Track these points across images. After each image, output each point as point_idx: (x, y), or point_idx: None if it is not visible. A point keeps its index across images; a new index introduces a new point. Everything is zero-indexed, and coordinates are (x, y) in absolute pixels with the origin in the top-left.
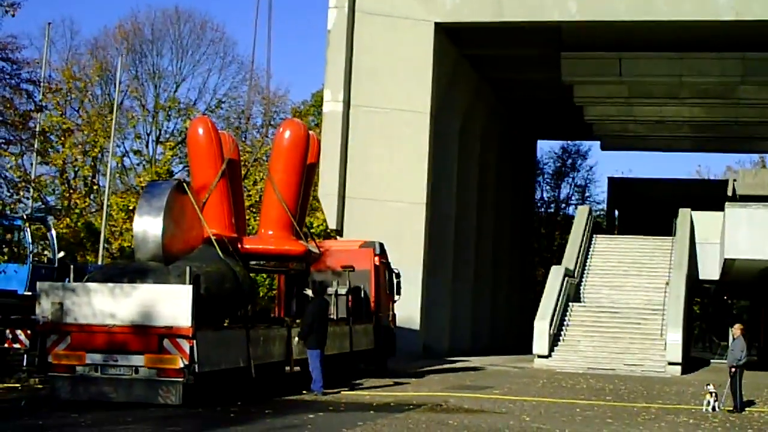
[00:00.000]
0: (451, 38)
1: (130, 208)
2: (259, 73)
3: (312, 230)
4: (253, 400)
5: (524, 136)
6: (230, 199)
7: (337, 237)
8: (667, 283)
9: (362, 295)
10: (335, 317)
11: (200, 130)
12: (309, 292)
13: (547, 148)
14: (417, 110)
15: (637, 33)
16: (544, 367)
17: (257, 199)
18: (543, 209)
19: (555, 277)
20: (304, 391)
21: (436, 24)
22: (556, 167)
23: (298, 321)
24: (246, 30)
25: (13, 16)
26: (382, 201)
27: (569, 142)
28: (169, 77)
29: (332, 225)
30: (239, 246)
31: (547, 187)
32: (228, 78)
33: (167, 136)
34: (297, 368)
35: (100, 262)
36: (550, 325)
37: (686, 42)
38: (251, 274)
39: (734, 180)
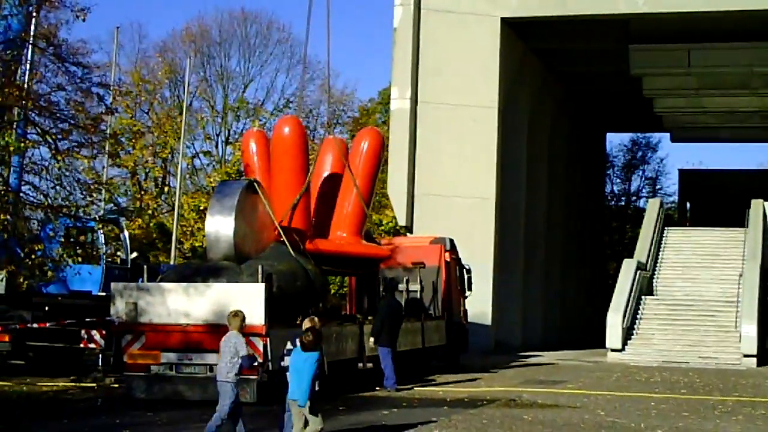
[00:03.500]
0: (518, 33)
1: (201, 208)
2: (325, 72)
3: (381, 227)
4: (327, 397)
5: (593, 129)
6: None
7: (407, 234)
8: (741, 275)
9: (433, 292)
10: (405, 313)
11: (287, 129)
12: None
13: (616, 141)
14: (485, 105)
15: (706, 23)
16: (617, 361)
17: None
18: (613, 202)
19: (627, 270)
20: (378, 388)
21: (502, 19)
22: (626, 160)
23: (370, 318)
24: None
25: (84, 20)
26: (452, 197)
27: (639, 134)
28: (237, 78)
29: (402, 222)
30: (319, 248)
31: (618, 180)
32: (295, 78)
33: (236, 136)
34: (370, 365)
35: (172, 262)
36: (623, 319)
37: (756, 31)
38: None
39: None
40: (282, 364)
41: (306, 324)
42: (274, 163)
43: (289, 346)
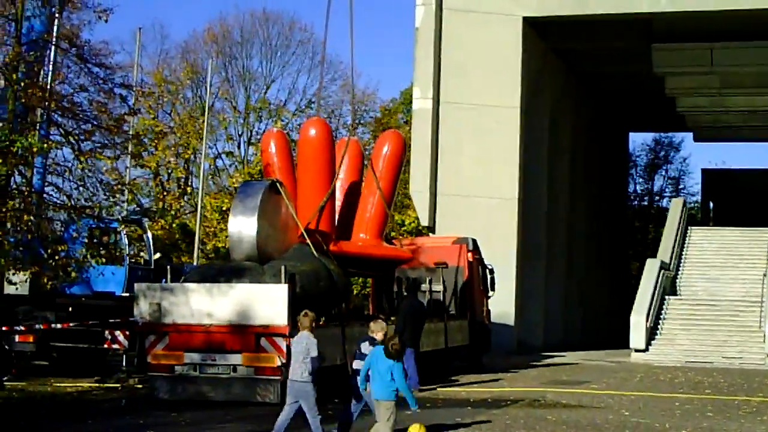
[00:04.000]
0: (539, 32)
1: (224, 208)
2: (346, 72)
3: (404, 228)
4: (350, 398)
5: (616, 128)
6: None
7: (429, 234)
8: (765, 275)
9: (456, 292)
10: (428, 314)
11: (313, 131)
12: (396, 288)
13: (639, 141)
14: (507, 105)
15: (729, 22)
16: (641, 361)
17: None
18: (636, 202)
19: (650, 270)
20: None
21: (524, 18)
22: (648, 159)
23: (393, 318)
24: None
25: (106, 21)
26: (474, 197)
27: (662, 134)
28: (259, 79)
29: (424, 222)
30: (343, 249)
31: (640, 180)
32: (318, 78)
33: (258, 137)
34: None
35: (195, 263)
36: (647, 319)
37: None
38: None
39: None
40: (354, 366)
41: (375, 328)
42: (300, 164)
43: (364, 349)
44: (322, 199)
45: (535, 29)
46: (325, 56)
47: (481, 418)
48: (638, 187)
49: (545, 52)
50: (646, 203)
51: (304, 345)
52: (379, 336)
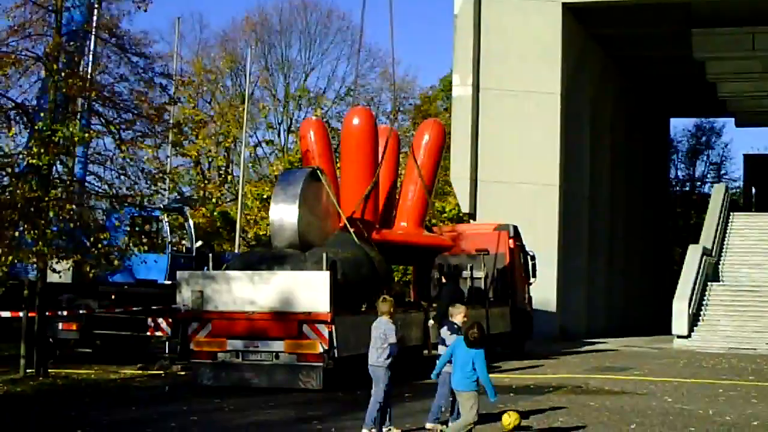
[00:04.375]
0: (579, 18)
1: (265, 197)
2: (386, 60)
3: (444, 215)
4: (393, 384)
5: (656, 114)
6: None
7: (470, 221)
8: None
9: (498, 279)
10: (470, 301)
11: (356, 120)
12: (436, 275)
13: (680, 126)
14: (547, 91)
15: None
16: (683, 348)
17: None
18: (678, 188)
19: (693, 256)
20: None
21: (564, 4)
22: (690, 145)
23: (434, 305)
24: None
25: (145, 11)
26: (515, 183)
27: (703, 119)
28: (298, 67)
29: (465, 209)
30: (386, 238)
31: (682, 166)
32: (358, 66)
33: (298, 125)
34: (435, 351)
35: (236, 251)
36: (689, 305)
37: None
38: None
39: None
40: (439, 352)
41: (453, 312)
42: (343, 153)
43: (444, 335)
44: (365, 188)
45: (575, 15)
46: (363, 45)
47: (524, 404)
48: (680, 173)
49: (585, 37)
50: (687, 189)
51: (382, 331)
52: (458, 319)
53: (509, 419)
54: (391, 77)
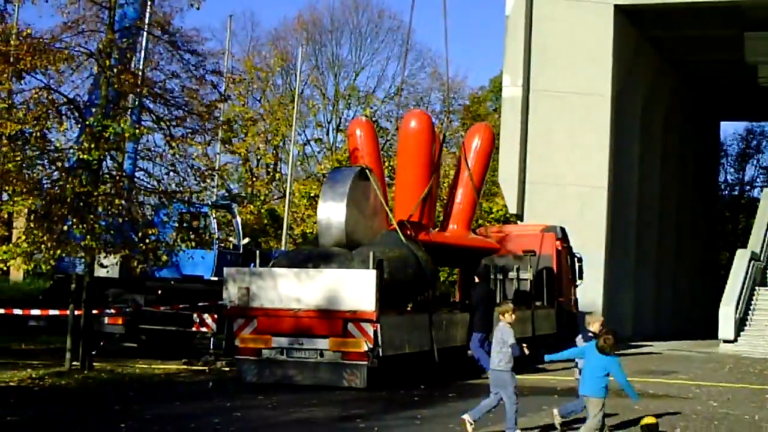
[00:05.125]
0: (632, 20)
1: (312, 195)
2: (436, 60)
3: (491, 215)
4: (436, 384)
5: (707, 117)
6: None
7: (518, 222)
8: None
9: (544, 280)
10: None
11: (414, 123)
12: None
13: (731, 130)
14: (597, 93)
15: None
16: (729, 352)
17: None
18: (727, 192)
19: (741, 260)
20: (484, 375)
21: (616, 6)
22: (740, 149)
23: (467, 302)
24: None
25: (198, 8)
26: (563, 185)
27: (754, 123)
28: (348, 66)
29: (512, 210)
30: (436, 240)
31: (731, 170)
32: (406, 65)
33: (347, 124)
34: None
35: (283, 248)
36: (736, 310)
37: None
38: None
39: None
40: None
41: (590, 319)
42: (400, 156)
43: (578, 342)
44: (421, 191)
45: (627, 16)
46: (413, 45)
47: None
48: (729, 177)
49: (637, 39)
50: (736, 193)
51: (500, 335)
52: (594, 327)
53: (648, 421)
54: (445, 83)
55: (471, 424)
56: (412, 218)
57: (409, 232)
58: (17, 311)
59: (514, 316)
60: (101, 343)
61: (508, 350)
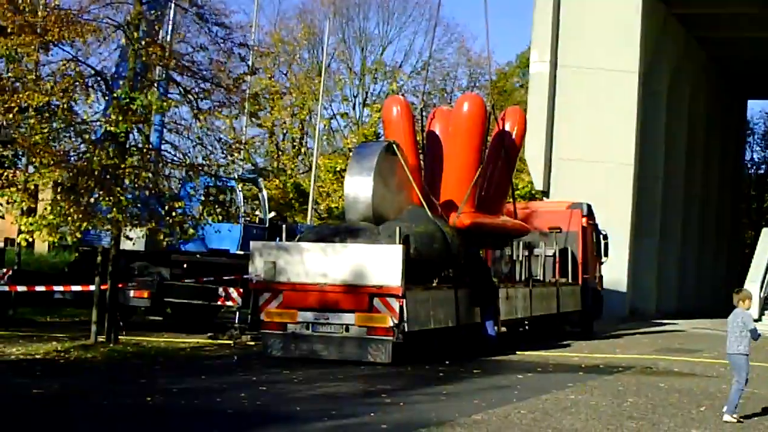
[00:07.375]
0: None
1: (338, 169)
2: (462, 34)
3: (517, 192)
4: (461, 360)
5: (734, 95)
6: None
7: (544, 198)
8: None
9: (569, 257)
10: (543, 278)
11: (467, 107)
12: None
13: (758, 108)
14: (625, 70)
15: None
16: None
17: None
18: (753, 170)
19: (766, 239)
20: (509, 352)
21: None
22: (767, 127)
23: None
24: None
25: None
26: (590, 162)
27: None
28: (375, 40)
29: (538, 186)
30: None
31: (758, 148)
32: (434, 40)
33: (374, 98)
34: (504, 329)
35: (309, 222)
36: (761, 288)
37: None
38: None
39: None
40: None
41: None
42: (450, 139)
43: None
44: (469, 175)
45: None
46: (440, 20)
47: (593, 383)
48: (755, 155)
49: (665, 16)
50: (762, 171)
51: (740, 319)
52: (746, 303)
53: None
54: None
55: (735, 418)
56: (467, 205)
57: (436, 207)
58: (40, 287)
59: (748, 303)
60: (125, 319)
61: (747, 335)
